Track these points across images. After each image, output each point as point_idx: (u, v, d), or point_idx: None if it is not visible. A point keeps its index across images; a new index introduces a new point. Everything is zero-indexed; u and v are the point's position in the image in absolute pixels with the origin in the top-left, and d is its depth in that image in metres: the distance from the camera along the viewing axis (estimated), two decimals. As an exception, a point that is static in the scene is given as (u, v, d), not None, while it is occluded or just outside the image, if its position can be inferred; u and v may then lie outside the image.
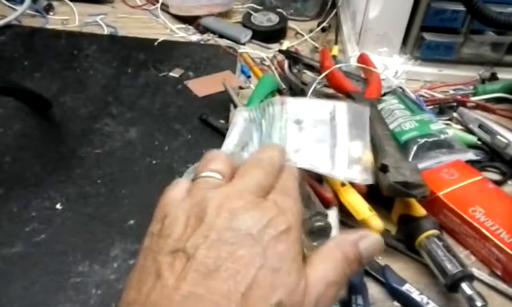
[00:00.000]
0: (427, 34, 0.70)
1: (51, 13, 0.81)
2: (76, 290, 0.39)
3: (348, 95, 0.61)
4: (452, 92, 0.70)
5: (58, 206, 0.46)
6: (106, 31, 0.78)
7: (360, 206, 0.47)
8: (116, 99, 0.60)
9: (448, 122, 0.64)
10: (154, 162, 0.52)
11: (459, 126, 0.64)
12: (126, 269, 0.41)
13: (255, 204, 0.30)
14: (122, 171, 0.50)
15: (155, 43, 0.73)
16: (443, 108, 0.65)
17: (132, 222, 0.45)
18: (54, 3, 0.84)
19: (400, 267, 0.46)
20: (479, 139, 0.61)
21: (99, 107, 0.58)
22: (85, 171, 0.50)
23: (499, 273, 0.46)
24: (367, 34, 0.72)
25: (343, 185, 0.49)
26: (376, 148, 0.51)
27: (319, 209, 0.46)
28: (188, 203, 0.29)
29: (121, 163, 0.51)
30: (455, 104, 0.67)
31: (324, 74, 0.64)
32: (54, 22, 0.80)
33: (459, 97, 0.68)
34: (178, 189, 0.31)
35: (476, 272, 0.46)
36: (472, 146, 0.60)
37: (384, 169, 0.47)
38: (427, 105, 0.65)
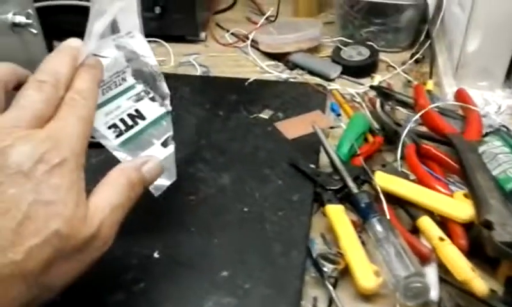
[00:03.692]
0: (533, 66, 0.65)
1: (149, 55, 0.86)
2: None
3: (446, 137, 0.58)
4: None
5: (155, 254, 0.48)
6: (199, 70, 0.81)
7: (460, 265, 0.44)
8: (209, 143, 0.62)
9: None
10: (246, 209, 0.53)
11: None
12: (219, 323, 0.42)
13: (27, 139, 0.31)
14: (215, 218, 0.52)
15: (246, 83, 0.74)
16: (553, 149, 0.59)
17: (224, 273, 0.46)
18: (151, 45, 0.88)
19: (507, 334, 0.42)
20: None
21: (192, 152, 0.60)
22: (180, 218, 0.52)
23: None
24: (466, 68, 0.69)
25: (442, 239, 0.46)
26: (477, 200, 0.47)
27: (416, 268, 0.44)
28: None
29: (213, 210, 0.53)
30: None
31: (418, 114, 0.61)
32: (152, 63, 0.84)
33: None
34: None
35: None
36: None
37: (488, 225, 0.43)
38: (536, 145, 0.60)
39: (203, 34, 0.89)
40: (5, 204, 0.29)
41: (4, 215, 0.29)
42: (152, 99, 0.47)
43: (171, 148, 0.46)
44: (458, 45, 0.69)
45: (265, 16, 0.92)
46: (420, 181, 0.54)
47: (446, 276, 0.46)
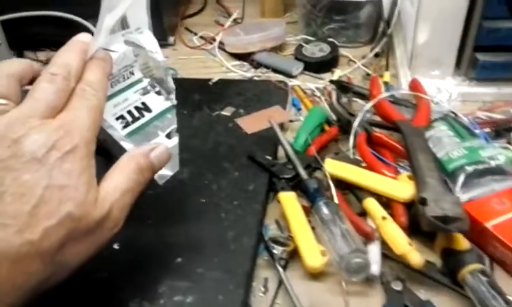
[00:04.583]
0: (481, 55, 0.68)
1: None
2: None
3: (395, 124, 0.61)
4: (513, 112, 0.67)
5: (115, 246, 0.50)
6: (167, 73, 0.84)
7: (399, 240, 0.46)
8: (172, 141, 0.65)
9: (507, 145, 0.61)
10: (203, 200, 0.55)
11: (517, 150, 0.61)
12: (172, 305, 0.44)
13: (40, 128, 0.33)
14: (173, 210, 0.54)
15: (210, 83, 0.77)
16: (499, 131, 0.62)
17: (179, 260, 0.48)
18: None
19: (444, 301, 0.45)
20: (541, 163, 0.58)
21: (156, 149, 0.62)
22: (139, 211, 0.53)
23: (553, 309, 0.43)
24: (418, 59, 0.72)
25: (384, 218, 0.49)
26: (417, 180, 0.50)
27: (358, 245, 0.47)
28: None
29: (172, 203, 0.55)
30: (514, 125, 0.64)
31: (370, 104, 0.64)
32: (122, 68, 0.87)
33: (520, 117, 0.65)
34: None
35: (527, 308, 0.44)
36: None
37: (423, 202, 0.46)
38: (484, 128, 0.63)
39: (171, 39, 0.92)
40: (21, 189, 0.31)
41: (20, 199, 0.31)
42: (158, 93, 0.49)
43: (175, 139, 0.48)
44: (410, 37, 0.72)
45: (231, 18, 0.95)
46: (369, 166, 0.57)
47: (389, 252, 0.48)
